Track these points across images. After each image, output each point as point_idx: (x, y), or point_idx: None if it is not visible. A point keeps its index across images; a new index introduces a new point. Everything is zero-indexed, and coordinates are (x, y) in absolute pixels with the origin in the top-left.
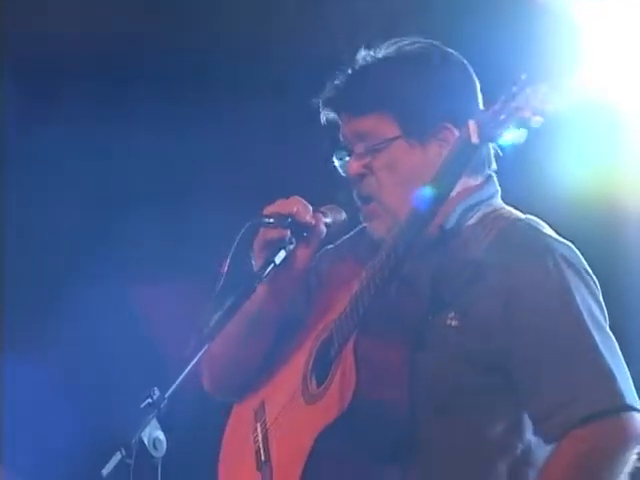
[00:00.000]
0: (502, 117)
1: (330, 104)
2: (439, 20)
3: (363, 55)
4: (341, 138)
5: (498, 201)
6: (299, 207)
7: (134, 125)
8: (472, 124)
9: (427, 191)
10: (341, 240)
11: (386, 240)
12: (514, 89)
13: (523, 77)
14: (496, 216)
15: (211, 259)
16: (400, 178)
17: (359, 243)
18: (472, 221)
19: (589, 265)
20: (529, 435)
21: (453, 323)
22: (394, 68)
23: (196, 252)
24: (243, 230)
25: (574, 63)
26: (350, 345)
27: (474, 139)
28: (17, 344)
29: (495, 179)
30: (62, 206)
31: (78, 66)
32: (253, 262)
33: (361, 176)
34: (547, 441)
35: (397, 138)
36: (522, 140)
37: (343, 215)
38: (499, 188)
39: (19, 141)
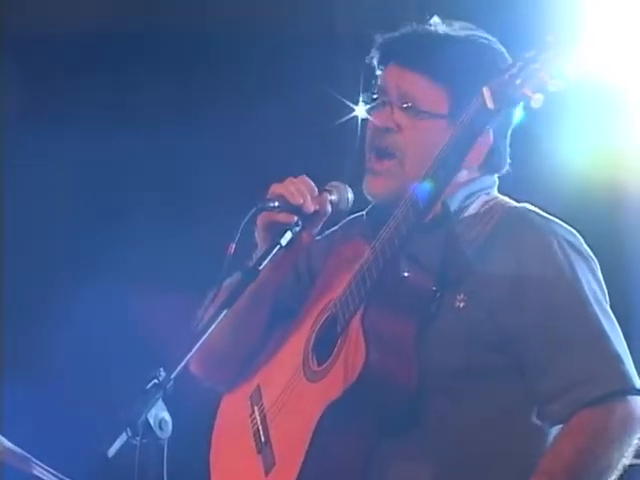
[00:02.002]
0: (519, 81)
1: (400, 50)
2: None
3: (440, 25)
4: (379, 84)
5: (495, 192)
6: (306, 197)
7: (134, 124)
8: (486, 90)
9: (441, 157)
10: (329, 231)
11: (395, 212)
12: (531, 53)
13: (548, 39)
14: (496, 203)
15: (212, 261)
16: (425, 149)
17: (351, 230)
18: (473, 206)
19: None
20: (534, 418)
21: (462, 305)
22: (468, 47)
23: (197, 254)
24: (249, 214)
25: (579, 34)
26: (357, 319)
27: (489, 104)
28: (15, 345)
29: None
30: (61, 206)
31: (78, 64)
32: (257, 241)
33: (388, 129)
34: (552, 423)
35: (442, 117)
36: (538, 106)
37: (349, 192)
38: (497, 180)
39: (17, 140)
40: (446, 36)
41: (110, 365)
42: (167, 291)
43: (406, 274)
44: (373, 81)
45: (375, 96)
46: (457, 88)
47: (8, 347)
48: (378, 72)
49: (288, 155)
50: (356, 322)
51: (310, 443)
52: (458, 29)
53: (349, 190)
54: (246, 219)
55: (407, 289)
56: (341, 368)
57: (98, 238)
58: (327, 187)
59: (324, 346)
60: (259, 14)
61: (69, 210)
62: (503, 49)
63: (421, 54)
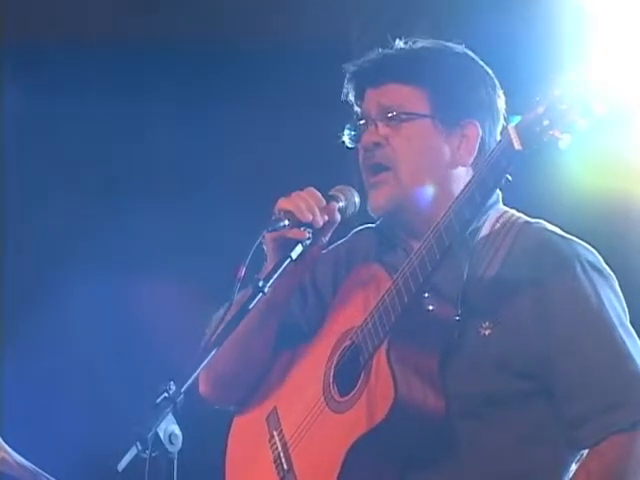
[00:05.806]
0: (546, 122)
1: (370, 74)
2: (450, 15)
3: (403, 42)
4: (359, 112)
5: (501, 205)
6: (315, 212)
7: (137, 117)
8: (512, 129)
9: (465, 194)
10: (334, 245)
11: (418, 246)
12: (557, 91)
13: (568, 77)
14: (507, 219)
15: (215, 255)
16: (416, 153)
17: (359, 246)
18: (486, 225)
19: None
20: (561, 442)
21: (487, 332)
22: (440, 53)
23: (201, 249)
24: (259, 239)
25: (599, 66)
26: (382, 353)
27: (516, 145)
28: (15, 338)
29: None
30: (64, 197)
31: (85, 50)
32: (267, 254)
33: (377, 145)
34: (582, 447)
35: (425, 116)
36: (565, 147)
37: (356, 196)
38: (500, 193)
39: (18, 128)
40: (413, 48)
41: (109, 359)
42: (170, 286)
43: (430, 307)
44: (354, 116)
45: (361, 122)
46: (437, 85)
47: (7, 339)
48: (356, 108)
49: (297, 162)
50: (381, 356)
51: (339, 475)
52: (429, 42)
53: (355, 193)
54: (256, 243)
55: (432, 322)
56: (366, 401)
57: (98, 231)
58: (333, 192)
59: (346, 376)
60: (280, 32)
61: (72, 201)
62: (476, 57)
63: (389, 66)
